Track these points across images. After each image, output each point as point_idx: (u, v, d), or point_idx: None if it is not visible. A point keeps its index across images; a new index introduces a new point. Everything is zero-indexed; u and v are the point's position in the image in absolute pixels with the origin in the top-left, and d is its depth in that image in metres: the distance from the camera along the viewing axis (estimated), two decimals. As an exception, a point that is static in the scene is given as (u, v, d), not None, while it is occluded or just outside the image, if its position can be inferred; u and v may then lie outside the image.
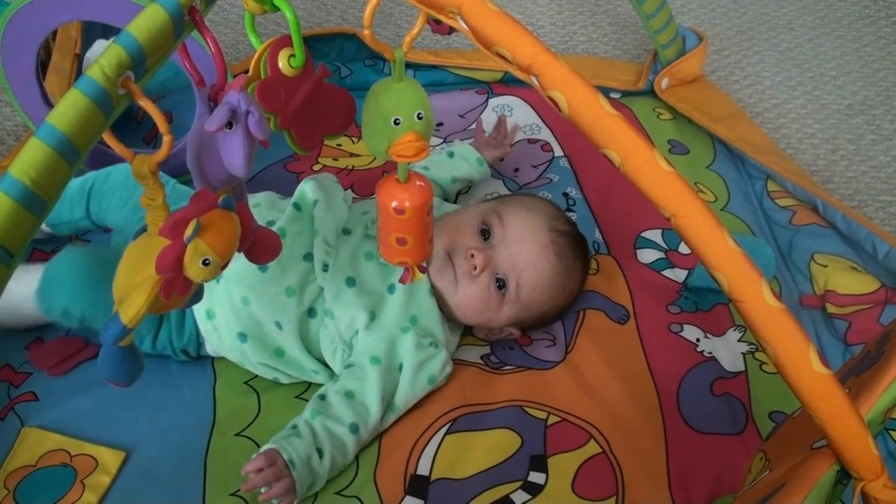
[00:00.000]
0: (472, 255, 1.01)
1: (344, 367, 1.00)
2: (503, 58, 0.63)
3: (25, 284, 1.00)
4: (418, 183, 0.82)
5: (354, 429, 0.94)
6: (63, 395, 1.02)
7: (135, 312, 0.63)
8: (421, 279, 0.92)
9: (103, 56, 0.59)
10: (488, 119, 1.40)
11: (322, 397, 0.97)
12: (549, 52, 0.62)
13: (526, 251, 1.03)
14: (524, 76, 0.63)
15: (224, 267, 0.66)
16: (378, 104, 0.73)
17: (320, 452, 0.92)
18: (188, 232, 0.62)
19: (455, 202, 1.25)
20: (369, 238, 1.05)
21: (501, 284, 1.02)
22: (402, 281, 0.90)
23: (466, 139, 1.34)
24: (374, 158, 1.32)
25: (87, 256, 1.01)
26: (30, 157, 0.57)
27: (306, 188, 1.06)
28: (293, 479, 0.89)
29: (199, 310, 1.01)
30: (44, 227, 1.12)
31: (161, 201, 0.65)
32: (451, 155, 1.23)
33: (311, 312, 1.01)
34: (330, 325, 1.00)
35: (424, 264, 0.93)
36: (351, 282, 1.01)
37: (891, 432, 0.99)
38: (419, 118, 0.73)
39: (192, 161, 0.69)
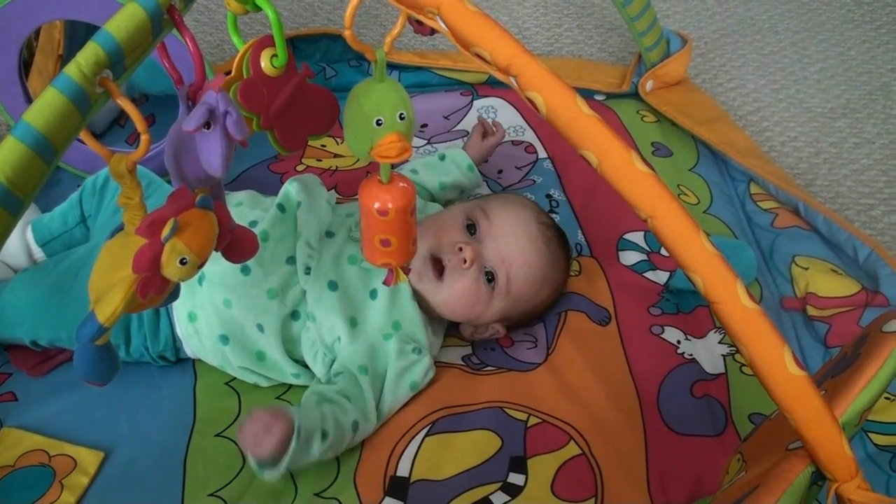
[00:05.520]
0: (461, 249, 1.01)
1: (333, 375, 0.99)
2: (482, 58, 0.63)
3: None
4: (401, 184, 0.81)
5: (355, 426, 0.94)
6: (42, 396, 1.02)
7: (111, 311, 0.62)
8: (405, 281, 0.91)
9: (80, 54, 0.59)
10: (473, 121, 1.40)
11: (322, 394, 0.95)
12: (527, 53, 0.62)
13: (515, 243, 1.02)
14: (503, 77, 0.63)
15: (201, 266, 0.65)
16: (360, 105, 0.73)
17: (324, 434, 0.90)
18: (165, 231, 0.62)
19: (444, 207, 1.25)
20: (353, 241, 1.04)
21: (490, 278, 1.02)
22: (386, 283, 0.89)
23: (451, 140, 1.35)
24: (358, 159, 1.32)
25: (39, 284, 1.01)
26: (6, 155, 0.56)
27: (291, 189, 1.05)
28: (289, 448, 0.86)
29: (180, 312, 1.01)
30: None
31: (138, 200, 0.65)
32: (441, 158, 1.22)
33: (294, 315, 1.00)
34: (311, 329, 1.00)
35: (409, 265, 0.93)
36: (333, 285, 1.00)
37: (870, 434, 0.99)
38: (401, 118, 0.73)
39: (169, 160, 0.68)
